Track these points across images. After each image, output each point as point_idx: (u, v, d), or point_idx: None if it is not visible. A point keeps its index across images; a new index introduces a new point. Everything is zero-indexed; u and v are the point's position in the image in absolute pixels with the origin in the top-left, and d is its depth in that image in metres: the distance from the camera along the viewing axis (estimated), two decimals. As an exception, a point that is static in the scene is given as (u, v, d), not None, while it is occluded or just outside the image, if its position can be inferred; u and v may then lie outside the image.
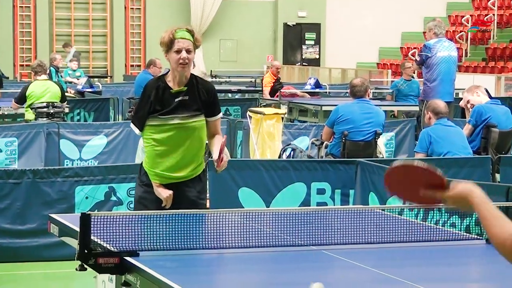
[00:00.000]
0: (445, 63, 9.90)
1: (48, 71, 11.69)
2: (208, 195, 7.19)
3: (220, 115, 4.74)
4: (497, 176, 7.42)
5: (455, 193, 2.51)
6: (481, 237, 4.30)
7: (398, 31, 27.80)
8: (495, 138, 8.09)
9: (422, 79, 10.81)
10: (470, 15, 25.57)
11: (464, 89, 15.36)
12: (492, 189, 5.73)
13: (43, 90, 11.01)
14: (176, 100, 4.58)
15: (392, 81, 22.23)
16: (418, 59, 10.33)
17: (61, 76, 16.18)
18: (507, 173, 7.16)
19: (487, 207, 2.39)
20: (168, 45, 4.58)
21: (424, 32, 10.69)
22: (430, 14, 26.98)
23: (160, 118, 4.58)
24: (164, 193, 4.58)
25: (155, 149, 4.60)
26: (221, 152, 4.51)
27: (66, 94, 12.12)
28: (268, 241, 3.92)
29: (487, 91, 8.64)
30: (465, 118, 11.15)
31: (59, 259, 6.50)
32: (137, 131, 4.67)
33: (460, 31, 25.18)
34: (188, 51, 4.57)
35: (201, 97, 4.61)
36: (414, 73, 13.87)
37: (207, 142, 4.74)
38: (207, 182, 7.12)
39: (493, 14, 24.99)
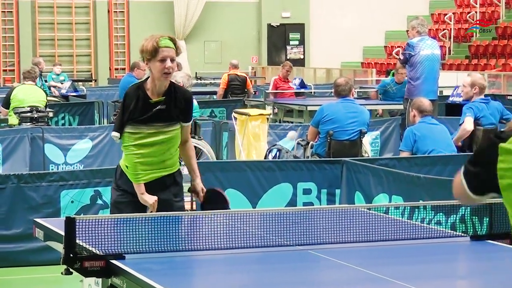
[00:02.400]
0: (428, 61, 9.92)
1: (35, 77, 11.69)
2: (194, 197, 7.18)
3: (191, 122, 4.79)
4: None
5: None
6: (466, 234, 4.32)
7: (381, 30, 27.88)
8: (479, 136, 8.12)
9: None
10: (453, 13, 25.68)
11: (448, 87, 15.35)
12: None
13: (27, 94, 10.99)
14: (154, 109, 4.60)
15: (377, 81, 22.31)
16: (401, 57, 10.33)
17: (45, 80, 16.12)
18: (491, 170, 7.16)
19: None
20: (152, 54, 4.56)
21: (408, 31, 10.71)
22: (413, 13, 27.05)
23: (137, 127, 4.61)
24: (150, 199, 4.60)
25: (134, 154, 4.62)
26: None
27: (49, 98, 12.07)
28: (254, 242, 3.92)
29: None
30: (449, 116, 11.17)
31: (45, 263, 6.46)
32: (117, 139, 4.71)
33: (443, 29, 25.29)
34: (172, 60, 4.57)
35: (178, 106, 4.65)
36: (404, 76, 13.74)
37: None
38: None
39: (476, 12, 25.11)
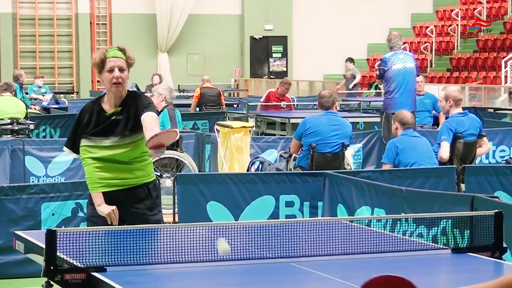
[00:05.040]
0: (401, 75, 10.11)
1: (13, 90, 11.65)
2: (176, 209, 7.17)
3: (149, 113, 4.42)
4: (462, 186, 7.48)
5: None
6: (447, 247, 4.33)
7: (364, 43, 28.02)
8: (460, 149, 8.14)
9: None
10: (434, 26, 25.86)
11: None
12: (457, 198, 5.78)
13: (6, 105, 10.95)
14: (109, 121, 4.53)
15: (359, 93, 22.37)
16: (378, 73, 10.56)
17: (26, 92, 16.05)
18: (471, 183, 7.22)
19: None
20: (100, 65, 4.56)
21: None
22: (395, 26, 27.22)
23: (92, 139, 4.54)
24: (106, 209, 4.47)
25: (93, 166, 4.55)
26: (157, 135, 4.21)
27: (30, 110, 12.02)
28: (237, 255, 3.91)
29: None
30: (436, 127, 11.19)
31: (26, 276, 6.41)
32: (72, 154, 4.67)
33: (425, 42, 25.45)
34: (121, 70, 4.53)
35: (135, 114, 4.51)
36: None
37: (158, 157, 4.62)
38: (175, 197, 7.11)
39: (457, 25, 25.30)
